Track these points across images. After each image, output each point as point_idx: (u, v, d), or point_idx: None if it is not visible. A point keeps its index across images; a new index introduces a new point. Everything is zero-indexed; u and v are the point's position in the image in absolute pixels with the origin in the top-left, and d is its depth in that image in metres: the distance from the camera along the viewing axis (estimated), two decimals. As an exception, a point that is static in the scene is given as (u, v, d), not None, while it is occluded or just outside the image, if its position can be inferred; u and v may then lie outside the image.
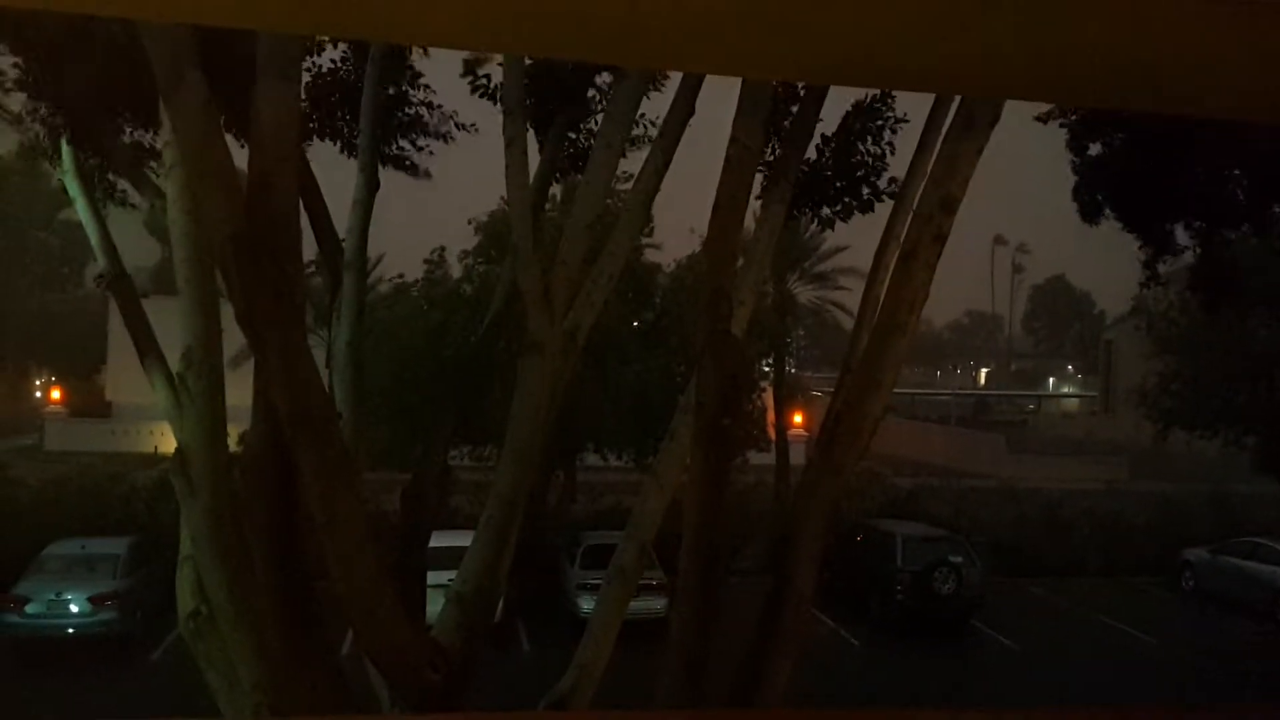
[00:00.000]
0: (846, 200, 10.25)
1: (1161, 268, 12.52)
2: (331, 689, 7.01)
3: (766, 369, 33.23)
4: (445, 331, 21.38)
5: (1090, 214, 11.61)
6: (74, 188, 9.50)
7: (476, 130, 11.46)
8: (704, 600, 6.70)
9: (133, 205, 10.17)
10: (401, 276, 25.96)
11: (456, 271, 26.50)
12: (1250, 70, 1.96)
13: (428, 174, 11.99)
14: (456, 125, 11.58)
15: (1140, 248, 12.12)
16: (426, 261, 26.19)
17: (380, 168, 10.55)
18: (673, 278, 27.12)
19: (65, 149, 9.49)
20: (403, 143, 11.58)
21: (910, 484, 30.70)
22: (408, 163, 11.80)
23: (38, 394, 56.94)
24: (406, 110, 11.38)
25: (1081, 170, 11.35)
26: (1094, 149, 11.14)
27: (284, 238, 5.83)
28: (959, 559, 21.93)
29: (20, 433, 46.93)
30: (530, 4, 1.71)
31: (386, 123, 10.98)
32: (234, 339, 7.26)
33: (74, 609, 18.44)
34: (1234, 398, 26.62)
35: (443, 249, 26.23)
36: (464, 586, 8.07)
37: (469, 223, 26.52)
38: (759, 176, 9.63)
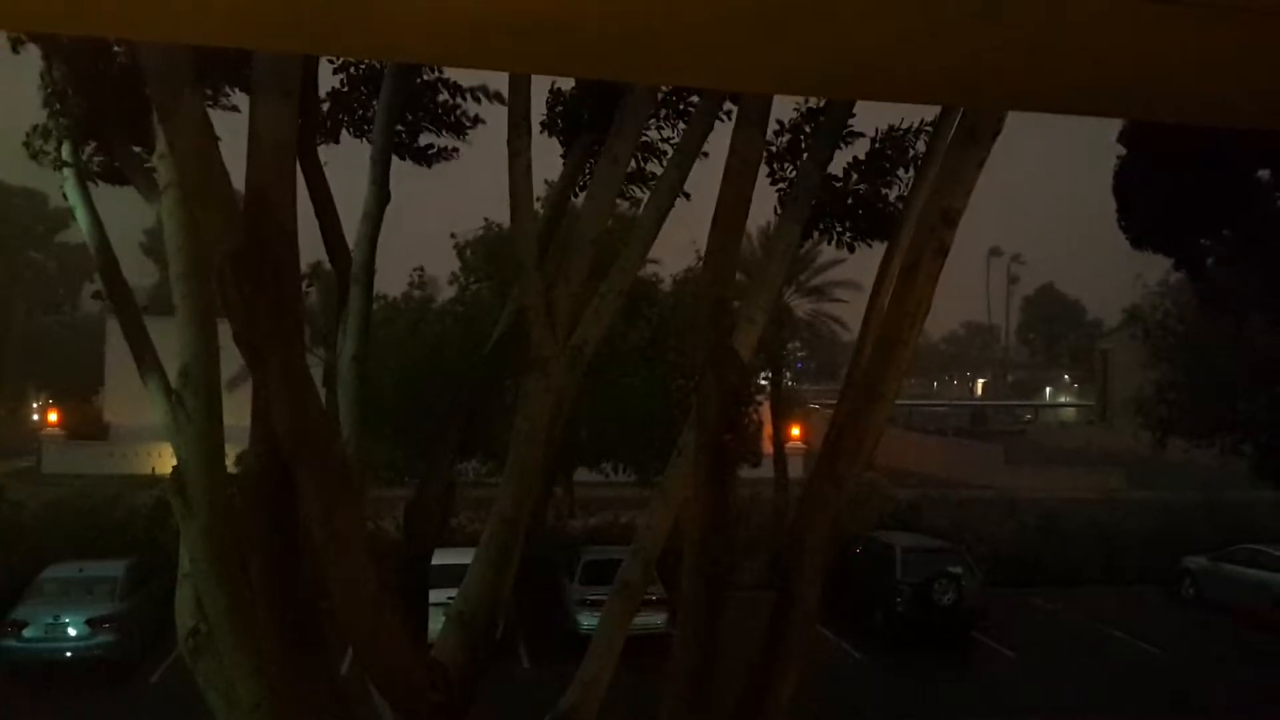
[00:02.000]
0: (863, 228, 10.09)
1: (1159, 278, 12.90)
2: (332, 709, 6.97)
3: (764, 382, 33.23)
4: (444, 348, 21.41)
5: (1139, 243, 11.85)
6: (74, 194, 9.38)
7: (476, 124, 11.30)
8: (707, 616, 6.67)
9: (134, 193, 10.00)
10: (385, 298, 25.98)
11: (448, 290, 26.68)
12: (1246, 77, 1.96)
13: (455, 153, 11.76)
14: (478, 99, 11.38)
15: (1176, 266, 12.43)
16: (410, 284, 26.36)
17: (394, 170, 10.47)
18: (670, 292, 27.17)
19: (66, 151, 9.34)
20: (423, 134, 11.42)
21: (909, 495, 30.67)
22: (432, 150, 11.62)
23: (35, 416, 56.80)
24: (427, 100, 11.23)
25: (1124, 198, 11.53)
26: (1136, 174, 11.31)
27: (282, 256, 5.81)
28: (959, 570, 21.89)
29: (18, 455, 46.79)
30: (529, 22, 1.71)
31: (408, 114, 10.87)
32: (231, 359, 7.24)
33: (72, 632, 18.32)
34: (1231, 406, 26.63)
35: (422, 268, 26.43)
36: (466, 605, 8.03)
37: (452, 235, 26.55)
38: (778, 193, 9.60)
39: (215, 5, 1.80)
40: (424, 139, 11.45)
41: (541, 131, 10.16)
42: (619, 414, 23.18)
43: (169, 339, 7.54)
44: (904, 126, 9.84)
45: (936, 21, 1.75)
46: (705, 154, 8.85)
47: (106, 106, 8.91)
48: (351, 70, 10.77)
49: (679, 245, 22.27)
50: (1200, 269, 12.46)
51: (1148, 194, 11.33)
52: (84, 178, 9.50)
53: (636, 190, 10.86)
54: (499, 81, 8.60)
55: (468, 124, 11.38)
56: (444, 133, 11.38)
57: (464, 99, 11.30)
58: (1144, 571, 27.22)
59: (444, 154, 11.63)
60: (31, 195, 48.83)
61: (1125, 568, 27.50)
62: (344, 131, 11.11)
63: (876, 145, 9.74)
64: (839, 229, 10.15)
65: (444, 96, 11.16)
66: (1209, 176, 10.39)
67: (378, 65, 10.53)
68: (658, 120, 10.24)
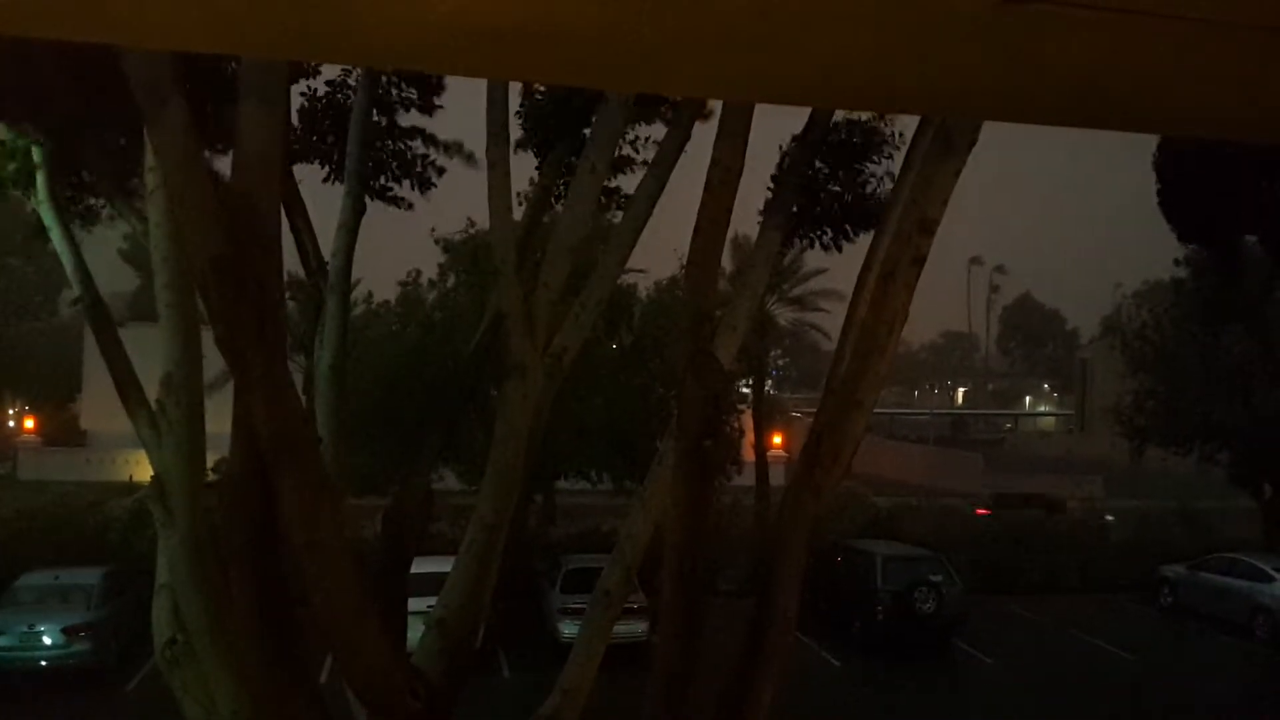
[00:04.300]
0: (845, 228, 10.18)
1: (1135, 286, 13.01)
2: (311, 717, 6.93)
3: (745, 390, 33.30)
4: (425, 354, 21.37)
5: (1186, 235, 11.97)
6: (49, 216, 9.41)
7: (474, 160, 11.45)
8: (687, 623, 6.68)
9: (113, 219, 10.02)
10: (370, 297, 25.78)
11: (429, 294, 26.49)
12: (1232, 91, 1.99)
13: (410, 206, 11.94)
14: (455, 153, 11.55)
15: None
16: (401, 284, 26.20)
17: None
18: (651, 300, 27.18)
19: (40, 176, 9.39)
20: (388, 180, 11.54)
21: (890, 503, 30.77)
22: (392, 195, 11.75)
23: (11, 423, 56.27)
24: (396, 144, 11.34)
25: (1167, 194, 11.58)
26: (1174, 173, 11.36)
27: (266, 261, 5.81)
28: (939, 578, 21.96)
29: (-8, 462, 46.39)
30: (510, 29, 1.72)
31: (374, 157, 10.97)
32: (210, 365, 7.23)
33: (47, 641, 18.16)
34: (1208, 414, 26.86)
35: (419, 271, 26.28)
36: (445, 612, 8.02)
37: (432, 230, 26.42)
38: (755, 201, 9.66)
39: (199, 11, 1.80)
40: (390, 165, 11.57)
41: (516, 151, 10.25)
42: (599, 421, 23.17)
43: (150, 345, 7.52)
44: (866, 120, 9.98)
45: (920, 33, 1.76)
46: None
47: (82, 129, 8.90)
48: (313, 100, 10.83)
49: (663, 253, 22.32)
50: (1240, 263, 12.53)
51: (1194, 182, 11.23)
52: (59, 201, 9.51)
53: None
54: (477, 94, 8.66)
55: (434, 180, 11.53)
56: (410, 185, 11.54)
57: (436, 150, 11.44)
58: (1122, 579, 27.40)
59: (401, 203, 11.81)
60: (7, 201, 48.37)
61: (1103, 575, 27.67)
62: (309, 159, 11.17)
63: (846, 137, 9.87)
64: (819, 232, 10.24)
65: (416, 147, 11.31)
66: (1261, 163, 10.30)
67: (345, 94, 10.61)
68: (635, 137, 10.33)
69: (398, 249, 29.02)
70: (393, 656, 7.02)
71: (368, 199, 11.40)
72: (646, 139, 10.40)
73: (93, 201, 10.11)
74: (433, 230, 26.42)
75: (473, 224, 25.52)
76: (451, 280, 26.17)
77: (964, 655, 21.62)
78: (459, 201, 25.43)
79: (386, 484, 20.51)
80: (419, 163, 11.41)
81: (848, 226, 10.13)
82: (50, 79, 8.26)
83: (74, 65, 7.89)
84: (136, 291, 48.20)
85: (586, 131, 10.21)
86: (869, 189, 10.13)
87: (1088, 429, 62.22)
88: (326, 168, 11.11)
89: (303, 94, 10.56)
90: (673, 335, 21.73)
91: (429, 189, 11.64)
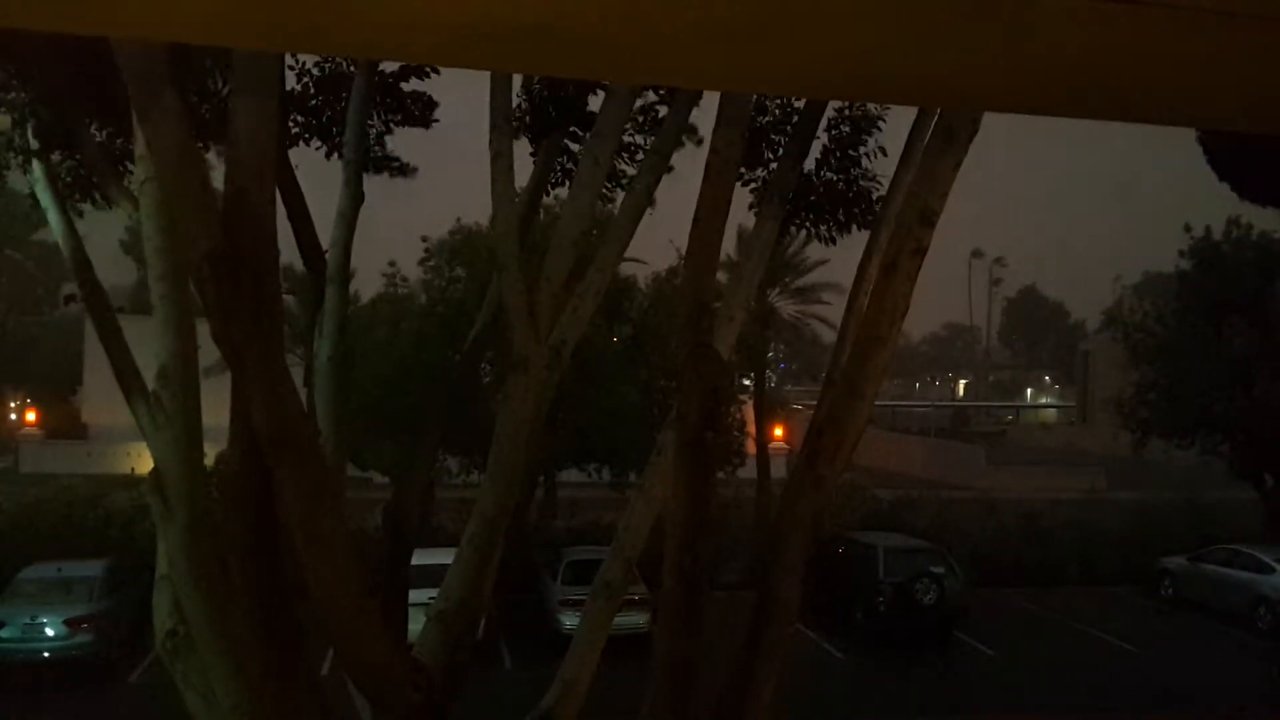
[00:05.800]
0: (840, 218, 10.17)
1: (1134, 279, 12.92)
2: (312, 709, 6.93)
3: (747, 383, 33.30)
4: (424, 347, 21.39)
5: (1245, 192, 11.78)
6: (46, 198, 9.32)
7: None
8: (688, 615, 6.68)
9: (110, 206, 9.91)
10: (356, 297, 25.75)
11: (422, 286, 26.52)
12: (1227, 80, 1.98)
13: (414, 170, 11.83)
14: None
15: None
16: (386, 279, 26.21)
17: (365, 176, 10.42)
18: (651, 291, 27.15)
19: (36, 162, 9.31)
20: (387, 144, 11.43)
21: (891, 496, 30.75)
22: (395, 164, 11.64)
23: (13, 416, 56.31)
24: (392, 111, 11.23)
25: (1215, 154, 11.42)
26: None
27: (261, 254, 5.78)
28: (941, 570, 21.99)
29: (-6, 455, 46.44)
30: (513, 22, 1.70)
31: (371, 125, 10.87)
32: (208, 352, 7.19)
33: (50, 633, 18.22)
34: (1210, 406, 26.85)
35: (394, 262, 26.29)
36: (446, 604, 8.01)
37: (423, 240, 26.37)
38: (751, 193, 9.64)
39: (196, 3, 1.79)
40: (390, 144, 11.47)
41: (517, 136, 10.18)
42: (601, 414, 23.18)
43: (148, 337, 7.48)
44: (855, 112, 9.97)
45: (920, 24, 1.75)
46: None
47: (74, 114, 8.84)
48: (310, 74, 10.73)
49: (660, 244, 22.32)
50: None
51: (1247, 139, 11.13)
52: (56, 183, 9.42)
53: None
54: (480, 81, 8.58)
55: (433, 115, 11.38)
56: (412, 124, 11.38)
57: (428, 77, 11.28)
58: (1123, 571, 27.42)
59: (406, 169, 11.69)
60: (7, 194, 48.43)
61: (1105, 567, 27.69)
62: (306, 140, 11.05)
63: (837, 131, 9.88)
64: (813, 221, 10.22)
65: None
66: None
67: (345, 67, 10.50)
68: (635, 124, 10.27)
69: (387, 242, 29.06)
70: (393, 648, 7.02)
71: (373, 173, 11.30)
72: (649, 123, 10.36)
73: (90, 176, 9.98)
74: (424, 239, 26.34)
75: (460, 224, 25.60)
76: (434, 277, 26.20)
77: (965, 647, 21.65)
78: (452, 201, 25.45)
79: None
80: (418, 103, 11.25)
81: (842, 217, 10.13)
82: (42, 60, 8.21)
83: (64, 49, 7.84)
84: (136, 284, 48.16)
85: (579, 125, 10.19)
86: (859, 177, 10.14)
87: (1089, 421, 62.22)
88: (324, 150, 10.97)
89: (292, 68, 10.43)
90: (672, 327, 21.75)
91: (430, 123, 11.48)
